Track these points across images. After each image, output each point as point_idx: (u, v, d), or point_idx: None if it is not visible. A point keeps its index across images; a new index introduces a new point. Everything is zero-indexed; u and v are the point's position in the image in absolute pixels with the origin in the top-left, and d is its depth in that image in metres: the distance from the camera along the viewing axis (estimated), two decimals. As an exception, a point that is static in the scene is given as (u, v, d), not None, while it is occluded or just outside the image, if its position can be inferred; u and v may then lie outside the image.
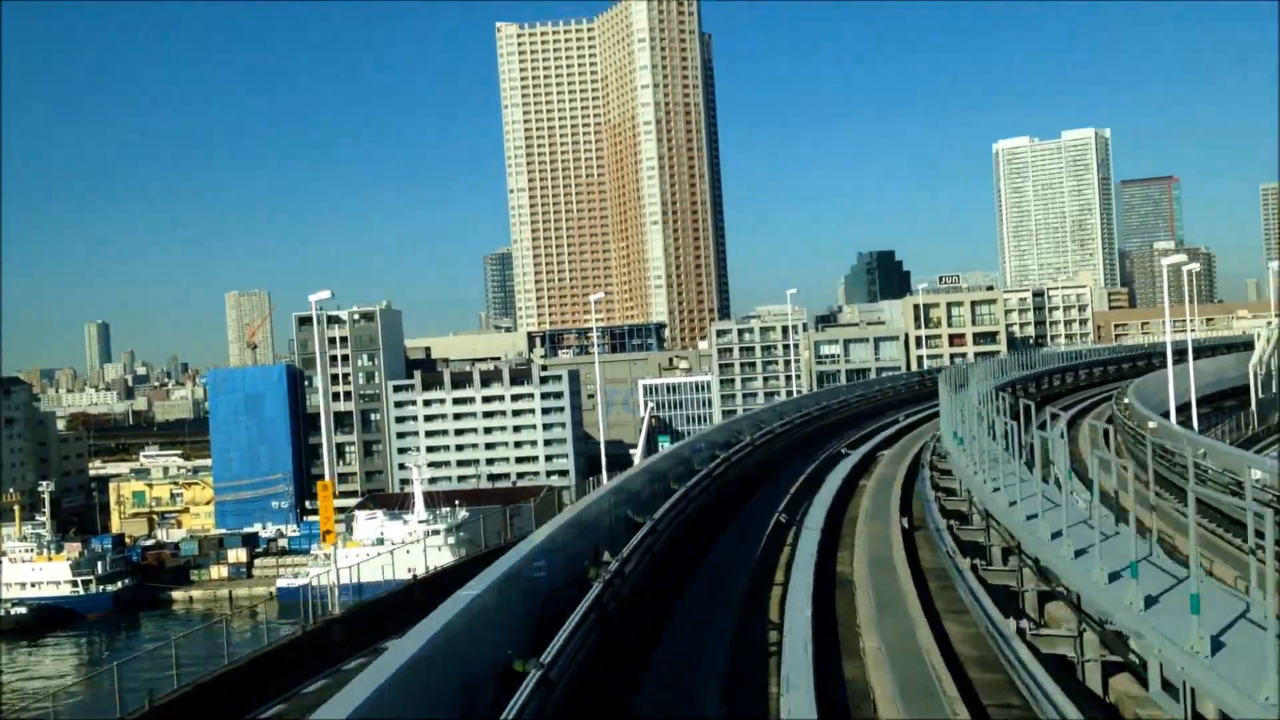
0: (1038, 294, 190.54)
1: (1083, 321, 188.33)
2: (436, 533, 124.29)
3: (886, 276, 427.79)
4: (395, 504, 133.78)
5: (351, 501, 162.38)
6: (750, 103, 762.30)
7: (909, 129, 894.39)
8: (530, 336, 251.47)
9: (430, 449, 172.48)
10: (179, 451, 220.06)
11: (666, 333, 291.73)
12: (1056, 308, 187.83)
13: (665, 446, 60.53)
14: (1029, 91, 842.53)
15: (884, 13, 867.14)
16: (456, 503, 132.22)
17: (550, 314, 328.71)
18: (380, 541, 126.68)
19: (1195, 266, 77.46)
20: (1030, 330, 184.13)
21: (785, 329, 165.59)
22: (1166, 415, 46.28)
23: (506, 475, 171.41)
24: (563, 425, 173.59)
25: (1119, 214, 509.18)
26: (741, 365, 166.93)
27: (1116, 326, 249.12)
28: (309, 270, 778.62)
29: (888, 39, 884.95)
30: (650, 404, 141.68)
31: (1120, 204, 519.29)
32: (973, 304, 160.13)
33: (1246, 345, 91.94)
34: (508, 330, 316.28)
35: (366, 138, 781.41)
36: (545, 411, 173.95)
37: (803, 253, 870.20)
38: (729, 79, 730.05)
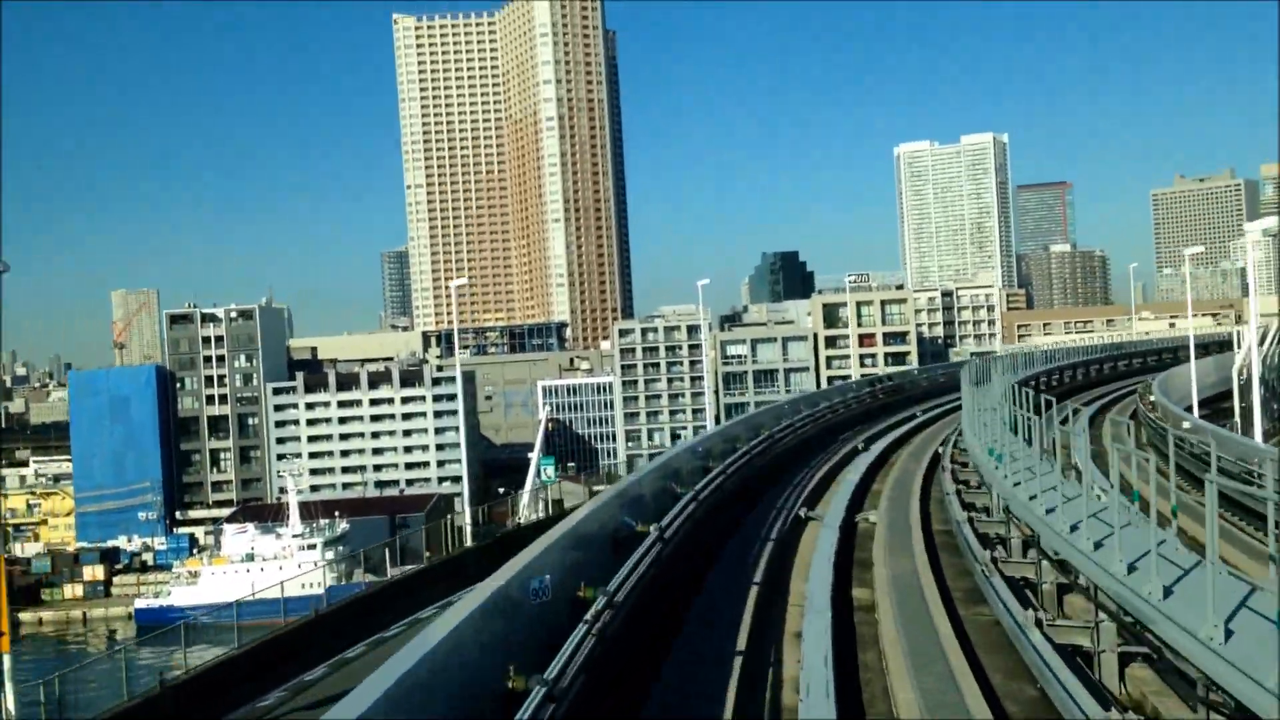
0: (946, 294, 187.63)
1: (991, 322, 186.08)
2: (313, 547, 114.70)
3: (790, 277, 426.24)
4: (269, 515, 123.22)
5: (224, 512, 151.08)
6: (654, 101, 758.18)
7: (813, 131, 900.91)
8: (425, 336, 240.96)
9: (313, 455, 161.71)
10: (46, 458, 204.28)
11: (569, 332, 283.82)
12: (965, 308, 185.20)
13: (547, 471, 52.93)
14: (930, 95, 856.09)
15: (787, 15, 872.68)
16: (337, 514, 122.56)
17: (449, 312, 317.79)
18: (250, 558, 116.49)
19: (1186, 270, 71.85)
20: (939, 331, 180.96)
21: (690, 328, 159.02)
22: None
23: (395, 483, 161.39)
24: (456, 429, 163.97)
25: (1016, 218, 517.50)
26: (645, 366, 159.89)
27: (1019, 327, 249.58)
28: (202, 269, 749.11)
29: (791, 41, 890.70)
30: (547, 407, 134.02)
31: (1016, 208, 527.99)
32: (883, 303, 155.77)
33: (1221, 345, 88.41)
34: (405, 330, 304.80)
35: (262, 131, 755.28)
36: (438, 415, 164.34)
37: (707, 253, 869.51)
38: (633, 77, 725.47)
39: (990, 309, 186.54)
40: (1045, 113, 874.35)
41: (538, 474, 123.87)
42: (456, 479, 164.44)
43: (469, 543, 45.74)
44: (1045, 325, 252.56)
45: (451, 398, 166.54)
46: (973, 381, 31.73)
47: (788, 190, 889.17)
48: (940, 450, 33.70)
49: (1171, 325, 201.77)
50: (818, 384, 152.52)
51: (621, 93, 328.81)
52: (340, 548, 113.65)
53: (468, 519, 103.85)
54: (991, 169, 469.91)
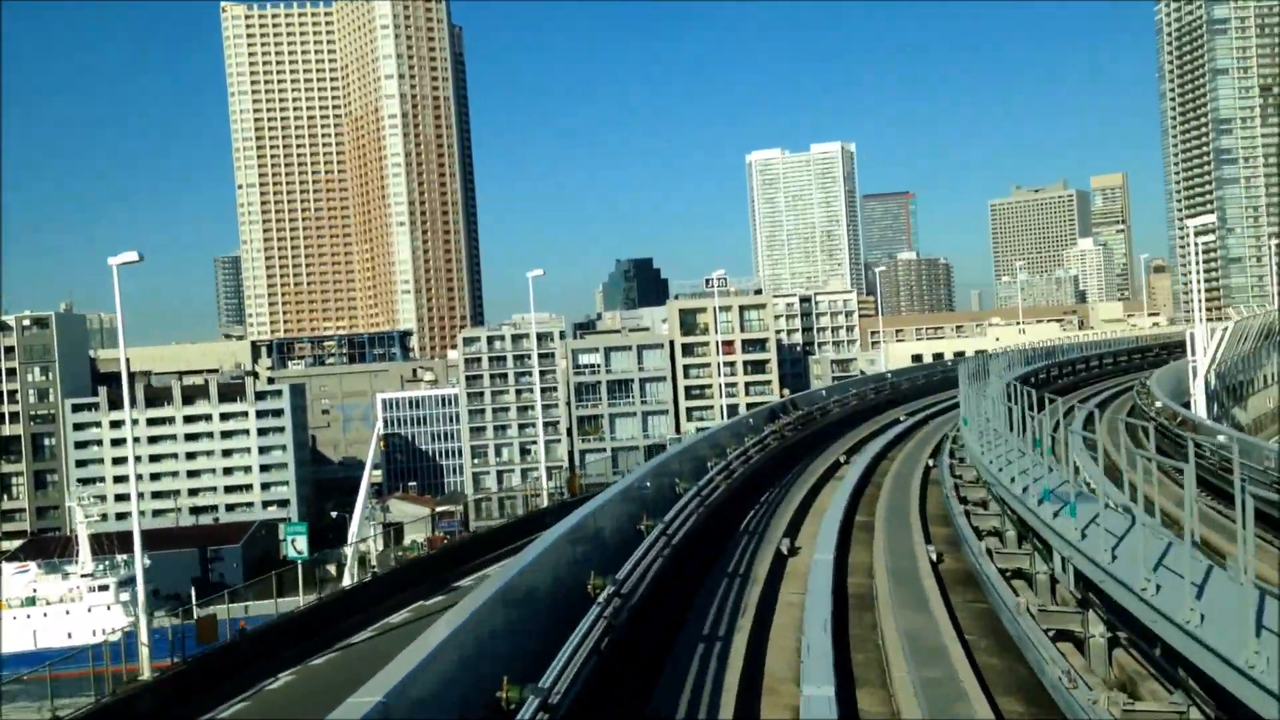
0: (805, 300, 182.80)
1: (850, 328, 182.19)
2: (105, 588, 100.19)
3: (644, 285, 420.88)
4: (56, 551, 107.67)
5: (15, 545, 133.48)
6: (505, 103, 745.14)
7: (667, 137, 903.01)
8: (255, 346, 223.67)
9: (119, 479, 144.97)
10: None
11: (414, 341, 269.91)
12: (824, 314, 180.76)
13: (297, 544, 40.53)
14: (781, 104, 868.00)
15: (640, 19, 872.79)
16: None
17: (286, 321, 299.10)
18: (32, 601, 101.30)
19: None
20: (798, 337, 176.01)
21: (540, 336, 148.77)
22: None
23: (214, 508, 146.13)
24: (283, 448, 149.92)
25: (863, 226, 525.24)
26: (492, 377, 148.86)
27: (872, 334, 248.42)
28: (19, 279, 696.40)
29: (645, 46, 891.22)
30: (379, 423, 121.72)
31: (863, 217, 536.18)
32: (741, 309, 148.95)
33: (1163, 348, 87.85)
34: (240, 339, 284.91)
35: (81, 128, 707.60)
36: (263, 432, 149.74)
37: (561, 260, 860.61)
38: (482, 77, 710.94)
39: (849, 315, 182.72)
40: (889, 124, 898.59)
41: (369, 498, 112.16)
42: (284, 502, 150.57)
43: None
44: (898, 332, 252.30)
45: (278, 413, 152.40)
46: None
47: (642, 197, 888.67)
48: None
49: (1022, 332, 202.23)
50: (674, 394, 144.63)
51: (470, 92, 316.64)
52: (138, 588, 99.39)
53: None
54: (840, 178, 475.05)
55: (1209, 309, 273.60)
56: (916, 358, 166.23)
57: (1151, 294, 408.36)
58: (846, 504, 26.54)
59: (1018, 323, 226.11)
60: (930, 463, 33.67)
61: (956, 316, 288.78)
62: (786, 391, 53.53)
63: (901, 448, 40.20)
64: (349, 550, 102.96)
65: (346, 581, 76.01)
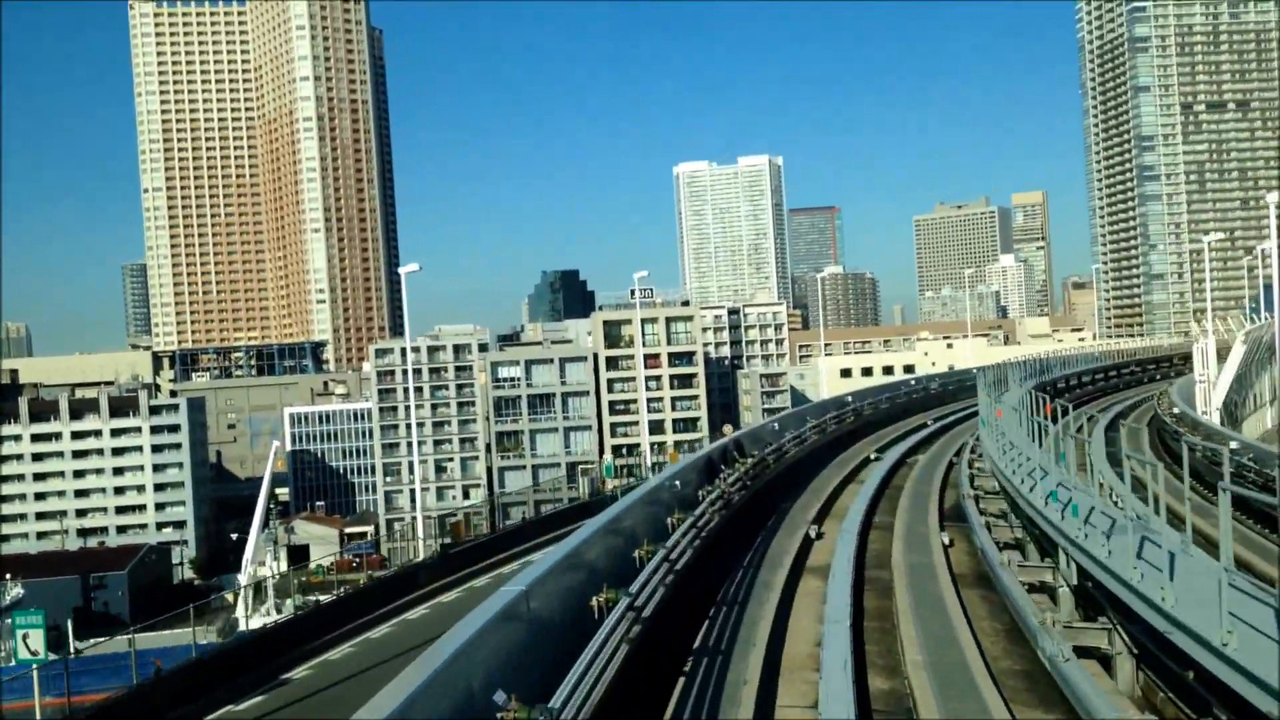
0: (733, 312, 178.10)
1: (779, 341, 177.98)
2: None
3: (571, 297, 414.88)
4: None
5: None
6: (429, 110, 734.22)
7: (594, 148, 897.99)
8: (157, 357, 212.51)
9: (1, 500, 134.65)
10: None
11: (329, 353, 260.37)
12: (753, 327, 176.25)
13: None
14: (709, 116, 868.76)
15: (568, 30, 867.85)
16: (8, 577, 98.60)
17: (194, 331, 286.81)
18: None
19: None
20: (726, 350, 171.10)
21: (457, 348, 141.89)
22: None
23: (104, 530, 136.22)
24: (179, 465, 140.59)
25: (789, 240, 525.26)
26: (406, 391, 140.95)
27: (800, 347, 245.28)
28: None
29: (573, 55, 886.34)
30: (276, 439, 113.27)
31: (790, 230, 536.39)
32: (668, 320, 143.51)
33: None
34: (148, 349, 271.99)
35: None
36: (158, 449, 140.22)
37: (486, 271, 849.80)
38: (406, 85, 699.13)
39: (779, 328, 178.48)
40: (815, 138, 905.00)
41: (272, 519, 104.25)
42: (180, 524, 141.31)
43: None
44: (826, 346, 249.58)
45: (175, 429, 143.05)
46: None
47: (570, 208, 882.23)
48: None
49: (949, 346, 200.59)
50: (598, 409, 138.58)
51: (390, 96, 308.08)
52: (6, 620, 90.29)
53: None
54: (768, 191, 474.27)
55: (1130, 325, 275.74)
56: (845, 372, 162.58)
57: (1072, 310, 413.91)
58: (849, 648, 13.56)
59: (945, 337, 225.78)
60: (946, 539, 22.99)
61: (884, 331, 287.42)
62: (729, 428, 42.99)
63: (894, 505, 28.69)
64: (242, 577, 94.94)
65: (241, 612, 68.86)
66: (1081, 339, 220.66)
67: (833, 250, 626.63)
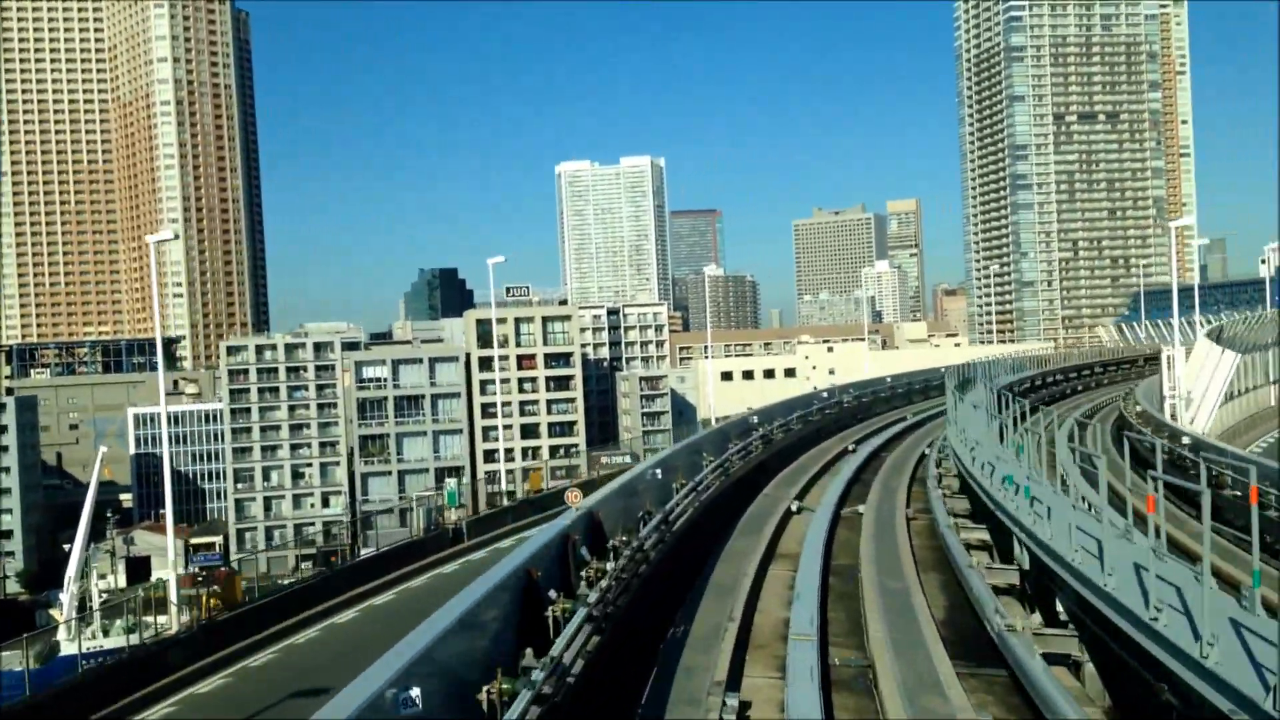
0: (613, 312, 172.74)
1: (660, 343, 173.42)
2: None
3: (449, 295, 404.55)
4: None
5: None
6: (302, 100, 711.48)
7: (475, 143, 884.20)
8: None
9: None
10: None
11: (187, 349, 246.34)
12: (633, 328, 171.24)
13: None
14: (591, 115, 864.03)
15: (446, 23, 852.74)
16: None
17: (40, 325, 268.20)
18: None
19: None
20: (605, 351, 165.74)
21: (318, 346, 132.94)
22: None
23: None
24: (6, 470, 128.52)
25: (671, 242, 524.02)
26: (261, 391, 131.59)
27: (681, 349, 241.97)
28: None
29: (452, 48, 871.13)
30: (104, 445, 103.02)
31: (671, 232, 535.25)
32: (544, 320, 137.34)
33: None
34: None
35: None
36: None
37: (363, 267, 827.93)
38: (278, 75, 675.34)
39: (659, 329, 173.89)
40: (697, 142, 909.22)
41: (95, 531, 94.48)
42: (8, 533, 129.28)
43: None
44: (706, 348, 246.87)
45: (3, 430, 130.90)
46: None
47: (450, 205, 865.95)
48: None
49: (830, 350, 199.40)
50: (470, 411, 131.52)
51: (259, 84, 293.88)
52: None
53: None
54: (650, 192, 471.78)
55: (1002, 331, 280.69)
56: (727, 375, 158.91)
57: (944, 316, 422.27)
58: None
59: (825, 341, 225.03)
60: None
61: (765, 334, 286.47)
62: (576, 494, 26.55)
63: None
64: (64, 595, 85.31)
65: (62, 635, 60.70)
66: (957, 344, 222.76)
67: (714, 253, 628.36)
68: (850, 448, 38.89)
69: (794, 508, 27.84)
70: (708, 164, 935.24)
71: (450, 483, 38.97)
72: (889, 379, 61.14)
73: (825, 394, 47.15)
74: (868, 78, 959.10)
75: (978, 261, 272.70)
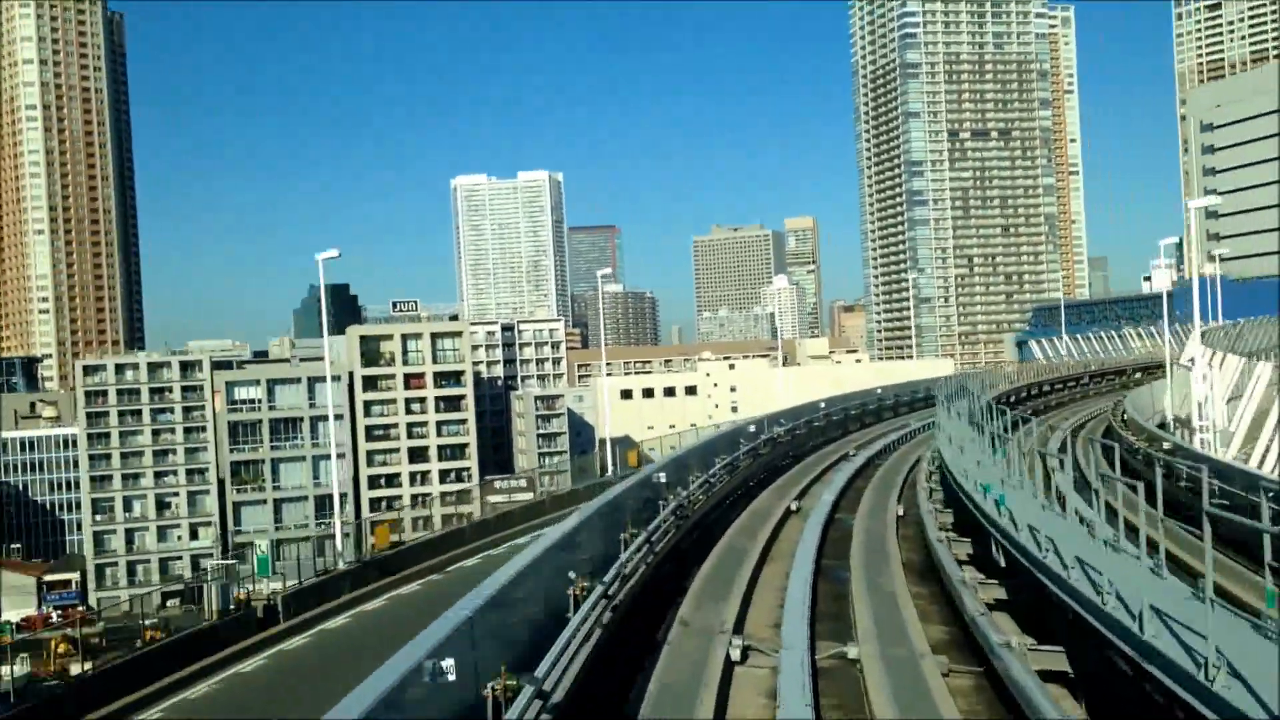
0: (507, 328, 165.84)
1: (556, 360, 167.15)
2: None
3: (340, 311, 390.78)
4: None
5: None
6: (185, 114, 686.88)
7: (368, 156, 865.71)
8: None
9: None
10: None
11: (53, 368, 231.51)
12: (528, 344, 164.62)
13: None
14: (488, 128, 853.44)
15: (338, 31, 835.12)
16: None
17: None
18: None
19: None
20: (499, 369, 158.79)
21: (185, 365, 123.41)
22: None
23: None
24: None
25: (569, 258, 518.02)
26: (122, 414, 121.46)
27: (580, 366, 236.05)
28: None
29: (349, 60, 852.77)
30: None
31: (570, 248, 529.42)
32: (434, 336, 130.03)
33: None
34: None
35: None
36: None
37: (251, 283, 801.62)
38: (157, 85, 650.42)
39: (556, 345, 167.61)
40: (595, 157, 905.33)
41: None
42: None
43: None
44: (606, 365, 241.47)
45: None
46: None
47: (342, 219, 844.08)
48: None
49: (731, 367, 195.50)
50: (354, 435, 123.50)
51: (134, 91, 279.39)
52: None
53: None
54: (548, 207, 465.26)
55: (901, 347, 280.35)
56: (626, 394, 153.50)
57: (842, 332, 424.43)
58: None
59: (726, 357, 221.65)
60: None
61: (665, 350, 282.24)
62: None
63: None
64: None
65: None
66: (858, 360, 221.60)
67: (613, 269, 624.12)
68: (793, 506, 29.71)
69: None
70: (606, 180, 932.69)
71: (262, 545, 31.67)
72: (822, 404, 54.44)
73: (752, 428, 38.34)
74: (767, 94, 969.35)
75: (875, 277, 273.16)
